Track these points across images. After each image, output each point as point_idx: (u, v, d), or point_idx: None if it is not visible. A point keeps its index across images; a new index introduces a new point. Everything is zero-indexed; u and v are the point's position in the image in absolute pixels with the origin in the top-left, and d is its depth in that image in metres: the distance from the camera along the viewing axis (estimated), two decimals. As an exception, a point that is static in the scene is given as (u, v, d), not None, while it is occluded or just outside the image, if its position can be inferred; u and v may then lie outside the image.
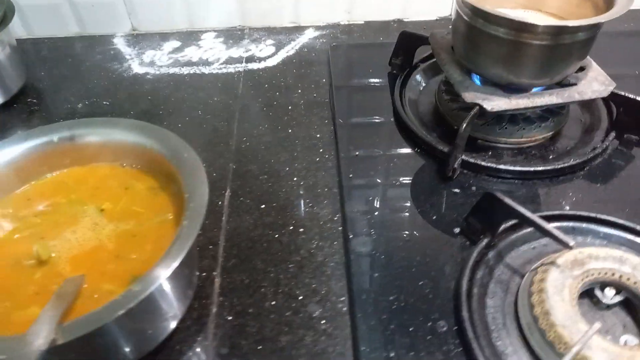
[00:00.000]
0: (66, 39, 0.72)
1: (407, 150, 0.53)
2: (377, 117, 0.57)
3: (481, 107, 0.46)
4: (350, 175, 0.50)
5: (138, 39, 0.71)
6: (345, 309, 0.41)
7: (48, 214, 0.39)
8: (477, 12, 0.45)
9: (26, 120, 0.59)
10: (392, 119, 0.56)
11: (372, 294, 0.41)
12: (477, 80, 0.51)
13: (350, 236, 0.44)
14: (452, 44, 0.52)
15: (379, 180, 0.50)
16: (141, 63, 0.67)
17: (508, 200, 0.39)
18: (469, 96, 0.47)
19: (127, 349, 0.35)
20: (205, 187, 0.36)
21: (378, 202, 0.48)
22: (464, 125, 0.45)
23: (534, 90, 0.50)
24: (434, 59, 0.60)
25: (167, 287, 0.34)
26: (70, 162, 0.42)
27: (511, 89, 0.49)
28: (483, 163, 0.48)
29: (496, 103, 0.46)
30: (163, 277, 0.31)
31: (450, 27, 0.53)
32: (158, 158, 0.40)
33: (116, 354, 0.34)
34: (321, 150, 0.54)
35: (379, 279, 0.42)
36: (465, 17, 0.47)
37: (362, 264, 0.43)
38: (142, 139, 0.40)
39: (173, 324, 0.38)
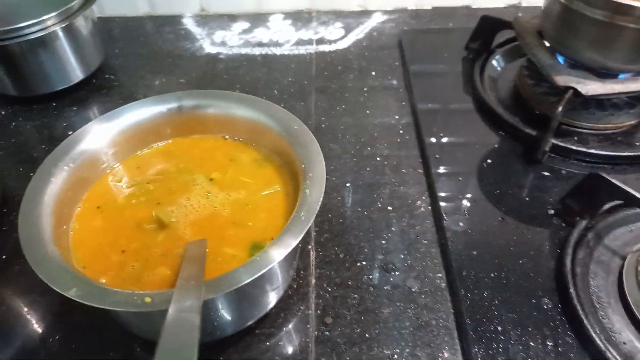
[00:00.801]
0: (136, 19, 0.73)
1: (489, 133, 0.53)
2: (457, 100, 0.58)
3: (575, 91, 0.46)
4: (437, 156, 0.50)
5: (207, 20, 0.72)
6: (443, 284, 0.41)
7: (160, 182, 0.40)
8: (576, -7, 0.45)
9: (106, 95, 0.60)
10: (472, 103, 0.57)
11: (473, 271, 0.41)
12: (565, 64, 0.51)
13: (444, 216, 0.45)
14: (541, 27, 0.52)
15: (465, 162, 0.50)
16: (212, 43, 0.68)
17: (617, 182, 0.39)
18: (561, 79, 0.47)
19: (245, 314, 0.36)
20: (321, 157, 0.36)
21: (467, 184, 0.48)
22: (560, 108, 0.45)
23: (622, 75, 0.50)
24: (512, 44, 0.61)
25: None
26: (176, 133, 0.42)
27: (601, 73, 0.49)
28: (574, 147, 0.48)
29: (591, 87, 0.46)
30: (293, 243, 0.31)
31: (539, 11, 0.53)
32: (263, 130, 0.41)
33: (234, 319, 0.35)
34: (401, 131, 0.55)
35: (478, 256, 0.42)
36: (562, -1, 0.47)
37: (458, 242, 0.43)
38: (248, 111, 0.41)
39: (281, 292, 0.39)
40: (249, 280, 0.28)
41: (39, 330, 0.38)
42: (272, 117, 0.40)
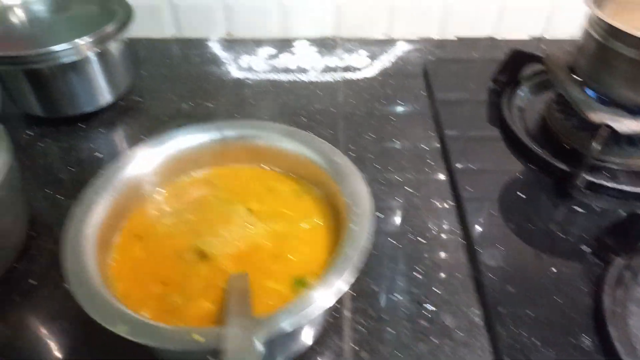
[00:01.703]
0: (163, 41, 0.73)
1: (518, 164, 0.54)
2: (484, 130, 0.58)
3: (611, 128, 0.46)
4: (467, 188, 0.50)
5: (232, 44, 0.73)
6: (478, 319, 0.41)
7: (199, 211, 0.39)
8: (612, 32, 0.46)
9: (133, 118, 0.60)
10: (499, 133, 0.57)
11: (509, 307, 0.41)
12: (597, 100, 0.51)
13: (479, 250, 0.45)
14: (573, 63, 0.53)
15: (496, 194, 0.50)
16: (239, 68, 0.68)
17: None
18: (595, 116, 0.48)
19: (285, 351, 0.35)
20: (367, 192, 0.36)
21: (499, 217, 0.48)
22: (595, 145, 0.46)
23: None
24: (539, 77, 0.61)
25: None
26: (215, 161, 0.42)
27: (634, 111, 0.49)
28: (608, 184, 0.48)
29: (626, 124, 0.47)
30: (345, 286, 0.31)
31: (570, 46, 0.54)
32: (303, 161, 0.41)
33: (273, 357, 0.35)
34: (430, 161, 0.55)
35: (513, 292, 0.42)
36: (597, 37, 0.47)
37: (493, 277, 0.43)
38: (290, 143, 0.41)
39: (320, 328, 0.38)
40: (304, 323, 0.28)
41: (65, 357, 0.38)
42: (314, 148, 0.40)
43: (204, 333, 0.28)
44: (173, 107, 0.62)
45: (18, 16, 0.60)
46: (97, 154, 0.56)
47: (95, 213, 0.35)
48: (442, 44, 0.74)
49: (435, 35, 0.74)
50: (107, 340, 0.38)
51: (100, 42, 0.55)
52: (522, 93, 0.61)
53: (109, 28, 0.56)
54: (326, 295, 0.30)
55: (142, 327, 0.28)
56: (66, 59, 0.54)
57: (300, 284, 0.35)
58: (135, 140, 0.57)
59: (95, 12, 0.60)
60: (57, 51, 0.53)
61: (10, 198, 0.41)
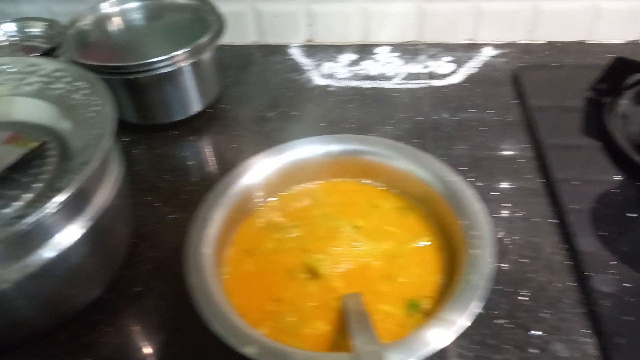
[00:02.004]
0: (245, 47, 0.74)
1: (624, 180, 0.50)
2: (584, 141, 0.55)
3: None
4: (572, 206, 0.48)
5: (313, 51, 0.73)
6: (592, 349, 0.39)
7: (305, 226, 0.40)
8: None
9: (222, 126, 0.61)
10: (601, 145, 0.54)
11: (628, 339, 0.38)
12: None
13: (590, 274, 0.42)
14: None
15: (604, 213, 0.47)
16: (321, 75, 0.68)
17: None
18: None
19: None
20: (485, 214, 0.35)
21: (610, 239, 0.45)
22: None
23: None
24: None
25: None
26: (320, 175, 0.42)
27: None
28: None
29: None
30: (475, 311, 0.30)
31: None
32: (409, 178, 0.40)
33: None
34: (529, 175, 0.52)
35: (633, 322, 0.39)
36: None
37: (608, 305, 0.40)
38: (399, 159, 0.40)
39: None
40: (436, 350, 0.27)
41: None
42: (422, 165, 0.39)
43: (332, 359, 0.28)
44: (259, 115, 0.62)
45: (115, 24, 0.63)
46: (190, 162, 0.57)
47: (210, 228, 0.36)
48: (530, 48, 0.70)
49: (523, 39, 0.71)
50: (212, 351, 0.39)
51: (195, 53, 0.56)
52: (625, 102, 0.57)
53: (204, 39, 0.57)
54: (457, 324, 0.29)
55: (270, 349, 0.28)
56: (163, 70, 0.55)
57: (414, 307, 0.34)
58: (224, 147, 0.59)
59: (188, 21, 0.62)
60: (155, 62, 0.55)
61: (122, 207, 0.42)
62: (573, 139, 0.56)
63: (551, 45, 0.71)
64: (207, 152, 0.59)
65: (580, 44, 0.71)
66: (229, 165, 0.55)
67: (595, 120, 0.57)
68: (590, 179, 0.51)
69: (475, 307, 0.31)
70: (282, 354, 0.28)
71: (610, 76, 0.57)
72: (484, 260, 0.32)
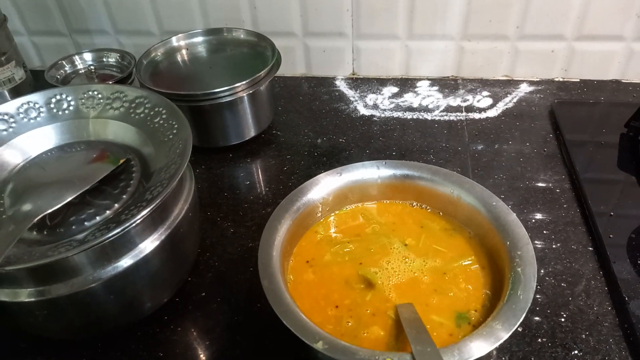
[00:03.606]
0: (294, 79, 0.80)
1: (661, 215, 0.53)
2: (619, 176, 0.58)
3: None
4: (610, 236, 0.50)
5: (357, 83, 0.78)
6: (631, 373, 0.41)
7: (359, 242, 0.43)
8: None
9: (275, 150, 0.66)
10: (635, 181, 0.56)
11: (667, 362, 0.40)
12: None
13: (628, 299, 0.44)
14: None
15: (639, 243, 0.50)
16: (365, 105, 0.73)
17: None
18: None
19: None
20: (527, 236, 0.38)
21: (647, 266, 0.47)
22: None
23: None
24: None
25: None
26: (369, 197, 0.46)
27: None
28: None
29: None
30: (517, 322, 0.33)
31: None
32: (455, 202, 0.44)
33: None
34: (565, 205, 0.55)
35: (670, 347, 0.41)
36: None
37: (646, 328, 0.42)
38: (446, 184, 0.44)
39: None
40: (489, 350, 0.30)
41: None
42: (468, 190, 0.43)
43: (395, 357, 0.31)
44: (309, 141, 0.67)
45: (182, 55, 0.69)
46: (246, 182, 0.62)
47: (278, 238, 0.40)
48: (565, 85, 0.74)
49: (558, 76, 0.75)
50: (271, 351, 0.43)
51: (253, 84, 0.62)
52: (660, 139, 0.60)
53: (261, 72, 0.62)
54: (507, 330, 0.32)
55: (337, 345, 0.32)
56: (224, 99, 0.61)
57: (463, 319, 0.37)
58: (276, 170, 0.64)
59: (248, 54, 0.68)
60: (218, 92, 0.60)
61: (193, 220, 0.47)
62: (608, 173, 0.59)
63: (585, 83, 0.74)
64: (260, 173, 0.64)
65: (614, 82, 0.74)
66: (281, 185, 0.61)
67: (630, 156, 0.60)
68: (626, 212, 0.54)
69: (519, 321, 0.33)
70: (349, 350, 0.31)
71: (644, 114, 0.61)
72: (527, 278, 0.35)
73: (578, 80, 0.75)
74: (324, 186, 0.44)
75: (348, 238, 0.44)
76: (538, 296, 0.46)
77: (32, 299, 0.39)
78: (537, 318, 0.45)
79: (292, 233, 0.41)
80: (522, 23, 0.71)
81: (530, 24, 0.71)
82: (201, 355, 0.44)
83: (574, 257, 0.50)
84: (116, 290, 0.41)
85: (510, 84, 0.75)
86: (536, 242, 0.51)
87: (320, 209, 0.45)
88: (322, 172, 0.47)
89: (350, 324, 0.37)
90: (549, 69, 0.74)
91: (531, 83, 0.75)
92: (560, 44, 0.72)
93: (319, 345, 0.31)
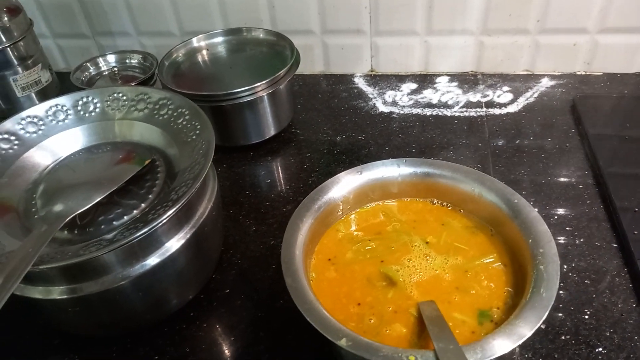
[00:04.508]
0: (313, 77, 0.81)
1: (688, 210, 0.52)
2: (645, 172, 0.57)
3: None
4: (635, 232, 0.50)
5: (376, 80, 0.78)
6: (661, 371, 0.40)
7: (380, 240, 0.44)
8: None
9: (295, 148, 0.67)
10: (662, 176, 0.56)
11: (694, 360, 0.40)
12: None
13: (653, 296, 0.44)
14: None
15: (667, 240, 0.49)
16: (384, 102, 0.73)
17: None
18: None
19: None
20: (549, 234, 0.38)
21: (673, 263, 0.47)
22: None
23: None
24: None
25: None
26: (392, 194, 0.47)
27: None
28: None
29: None
30: (543, 316, 0.33)
31: None
32: (477, 199, 0.44)
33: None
34: (588, 201, 0.55)
35: (698, 345, 0.41)
36: None
37: (672, 326, 0.42)
38: (464, 181, 0.44)
39: None
40: (512, 348, 0.30)
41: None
42: (489, 187, 0.43)
43: (417, 354, 0.31)
44: (328, 139, 0.68)
45: (203, 56, 0.71)
46: (267, 180, 0.63)
47: (300, 236, 0.41)
48: (587, 79, 0.73)
49: (580, 70, 0.74)
50: (294, 347, 0.44)
51: (273, 84, 0.63)
52: (687, 133, 0.59)
53: (281, 72, 0.63)
54: (529, 329, 0.32)
55: (361, 342, 0.32)
56: (245, 99, 0.62)
57: (485, 316, 0.37)
58: (297, 168, 0.65)
59: (267, 54, 0.69)
60: (239, 92, 0.61)
61: (216, 218, 0.48)
62: (633, 168, 0.58)
63: (608, 76, 0.73)
64: (281, 171, 0.65)
65: (638, 76, 0.72)
66: (302, 183, 0.61)
67: (655, 150, 0.59)
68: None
69: (542, 319, 0.33)
70: (372, 347, 0.32)
71: (670, 107, 0.59)
72: (550, 276, 0.35)
73: (601, 73, 0.73)
74: (345, 185, 0.45)
75: (369, 236, 0.44)
76: (561, 292, 0.46)
77: (64, 297, 0.40)
78: (560, 315, 0.44)
79: (313, 231, 0.42)
80: (542, 17, 0.70)
81: (551, 18, 0.70)
82: (226, 351, 0.45)
83: (598, 254, 0.49)
84: (144, 287, 0.42)
85: (531, 78, 0.74)
86: (559, 238, 0.51)
87: (341, 207, 0.45)
88: (341, 170, 0.47)
89: (372, 321, 0.38)
90: (571, 63, 0.73)
91: (553, 77, 0.74)
92: (583, 37, 0.71)
93: (342, 342, 0.32)
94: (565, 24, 0.70)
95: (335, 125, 0.70)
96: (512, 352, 0.42)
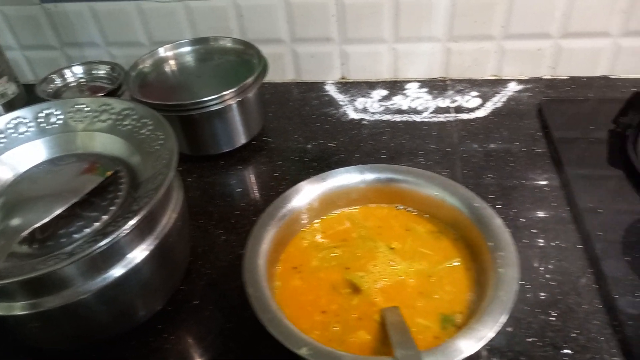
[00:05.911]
0: (283, 85, 0.81)
1: (649, 210, 0.53)
2: (607, 172, 0.58)
3: None
4: (598, 233, 0.50)
5: (347, 87, 0.78)
6: (622, 371, 0.41)
7: (345, 247, 0.44)
8: None
9: (266, 156, 0.67)
10: (625, 176, 0.56)
11: (656, 358, 0.40)
12: None
13: (617, 297, 0.45)
14: None
15: (629, 239, 0.50)
16: (355, 109, 0.73)
17: None
18: None
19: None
20: (510, 237, 0.39)
21: (635, 262, 0.47)
22: None
23: None
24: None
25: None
26: (354, 202, 0.47)
27: None
28: None
29: None
30: (503, 319, 0.33)
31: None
32: (441, 204, 0.44)
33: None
34: (554, 203, 0.55)
35: (659, 342, 0.41)
36: None
37: (635, 326, 0.43)
38: (430, 187, 0.44)
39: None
40: (472, 352, 0.31)
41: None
42: (451, 192, 0.43)
43: None
44: (299, 147, 0.67)
45: (170, 65, 0.70)
46: (237, 189, 0.62)
47: (263, 245, 0.40)
48: (553, 83, 0.74)
49: (546, 74, 0.75)
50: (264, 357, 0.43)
51: (242, 92, 0.62)
52: (647, 134, 0.60)
53: (249, 80, 0.63)
54: (488, 331, 0.32)
55: (322, 351, 0.32)
56: (213, 107, 0.61)
57: (448, 321, 0.38)
58: (267, 176, 0.64)
59: (235, 63, 0.69)
60: (207, 100, 0.61)
61: (182, 228, 0.48)
62: (597, 169, 0.59)
63: (574, 80, 0.74)
64: (252, 180, 0.64)
65: (602, 78, 0.74)
66: (272, 191, 0.61)
67: (618, 152, 0.60)
68: (615, 207, 0.54)
69: (503, 320, 0.34)
70: (333, 355, 0.32)
71: (630, 109, 0.61)
72: (510, 278, 0.35)
73: (567, 77, 0.75)
74: (308, 192, 0.45)
75: (335, 243, 0.44)
76: (527, 295, 0.47)
77: (26, 312, 0.39)
78: (526, 317, 0.45)
79: (278, 240, 0.42)
80: (506, 23, 0.71)
81: (514, 23, 0.71)
82: (194, 367, 0.44)
83: (564, 255, 0.50)
84: (108, 300, 0.42)
85: (499, 83, 0.75)
86: (525, 241, 0.52)
87: (306, 215, 0.45)
88: (315, 177, 0.47)
89: (337, 329, 0.37)
90: (536, 67, 0.75)
91: (520, 82, 0.75)
92: (547, 42, 0.73)
93: (303, 352, 0.32)
94: (528, 30, 0.71)
95: (306, 132, 0.70)
96: (479, 355, 0.42)
